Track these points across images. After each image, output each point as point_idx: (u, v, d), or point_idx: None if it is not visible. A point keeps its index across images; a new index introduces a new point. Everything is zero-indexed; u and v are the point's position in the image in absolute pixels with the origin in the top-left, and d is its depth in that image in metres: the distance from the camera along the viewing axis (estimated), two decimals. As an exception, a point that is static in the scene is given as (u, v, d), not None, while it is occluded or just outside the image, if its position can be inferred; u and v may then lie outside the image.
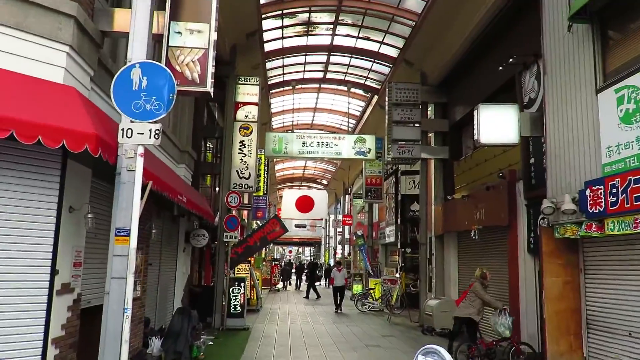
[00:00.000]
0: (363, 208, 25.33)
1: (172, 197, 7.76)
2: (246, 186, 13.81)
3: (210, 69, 6.26)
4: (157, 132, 4.78)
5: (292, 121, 25.48)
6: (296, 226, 55.02)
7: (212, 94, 6.44)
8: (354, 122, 24.14)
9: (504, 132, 8.53)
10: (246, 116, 14.16)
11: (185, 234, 12.08)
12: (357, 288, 23.28)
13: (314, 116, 25.21)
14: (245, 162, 13.90)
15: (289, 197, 32.33)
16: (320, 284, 32.13)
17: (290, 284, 31.15)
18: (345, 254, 36.24)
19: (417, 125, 14.88)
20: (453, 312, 9.18)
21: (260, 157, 22.98)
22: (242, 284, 13.05)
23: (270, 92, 20.51)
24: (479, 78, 12.83)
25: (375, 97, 19.95)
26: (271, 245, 45.72)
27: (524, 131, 8.54)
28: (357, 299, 17.97)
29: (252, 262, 18.55)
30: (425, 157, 15.01)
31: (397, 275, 16.11)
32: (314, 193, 33.98)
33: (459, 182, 13.87)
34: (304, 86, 21.24)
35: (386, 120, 14.97)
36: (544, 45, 8.45)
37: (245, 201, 24.36)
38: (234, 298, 12.89)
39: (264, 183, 23.09)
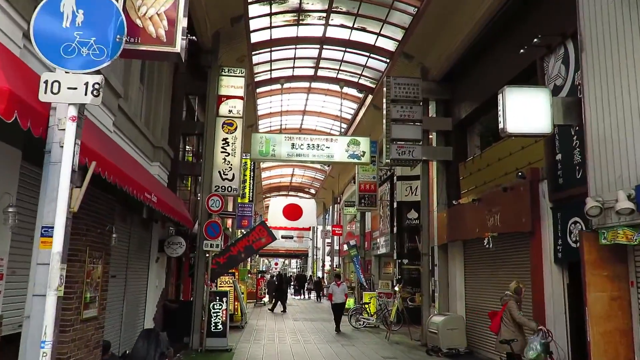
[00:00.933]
0: (355, 217, 23.97)
1: (138, 194, 6.31)
2: (229, 189, 12.35)
3: (182, 24, 4.85)
4: (96, 87, 3.36)
5: (280, 124, 24.08)
6: (283, 237, 53.25)
7: (183, 58, 5.02)
8: (345, 125, 22.82)
9: (534, 120, 7.21)
10: (230, 111, 12.74)
11: (159, 242, 10.58)
12: (349, 302, 21.78)
13: (302, 119, 23.86)
14: (229, 162, 12.45)
15: (276, 205, 30.93)
16: (309, 298, 30.66)
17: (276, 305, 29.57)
18: (335, 265, 34.73)
19: (418, 123, 13.58)
20: (499, 337, 7.84)
21: (245, 162, 21.57)
22: (225, 299, 11.54)
23: (257, 91, 19.12)
24: (489, 69, 11.58)
25: (370, 97, 18.67)
26: (257, 256, 44.09)
27: (557, 119, 7.24)
28: (350, 315, 16.51)
29: (237, 274, 17.02)
30: (426, 159, 13.70)
31: (396, 288, 14.73)
32: (302, 201, 32.61)
33: (466, 185, 12.56)
34: (292, 85, 19.90)
35: (384, 118, 13.65)
36: (581, 19, 7.18)
37: (230, 208, 22.85)
38: (215, 315, 11.37)
39: (249, 189, 21.62)
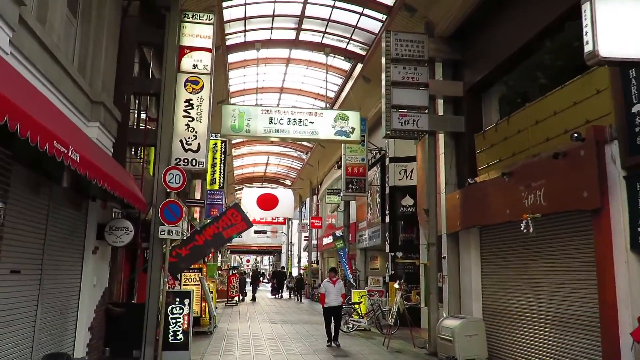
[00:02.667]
0: (337, 207, 21.66)
1: (41, 141, 3.85)
2: (194, 162, 9.80)
3: None
4: None
5: (256, 103, 21.54)
6: (255, 232, 50.71)
7: None
8: (329, 106, 20.41)
9: (635, 42, 4.96)
10: (195, 66, 10.18)
11: (98, 228, 8.01)
12: (332, 301, 19.44)
13: (280, 97, 21.36)
14: (193, 129, 9.90)
15: (250, 195, 28.38)
16: (291, 298, 28.15)
17: (246, 294, 27.02)
18: (313, 261, 32.34)
19: (424, 88, 11.31)
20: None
21: (215, 143, 19.01)
22: (187, 301, 9.03)
23: (229, 60, 16.58)
24: (512, 19, 9.38)
25: (359, 67, 16.32)
26: (227, 252, 41.36)
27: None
28: (338, 317, 14.14)
29: (204, 270, 14.49)
30: (433, 131, 11.42)
31: (396, 285, 12.45)
32: (278, 191, 30.11)
33: (486, 159, 10.31)
34: (270, 54, 17.43)
35: (383, 81, 11.30)
36: None
37: (197, 196, 20.22)
38: (174, 321, 8.85)
39: (220, 174, 19.03)
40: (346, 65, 17.56)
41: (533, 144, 8.58)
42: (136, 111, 10.48)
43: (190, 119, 9.91)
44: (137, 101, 10.43)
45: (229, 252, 43.92)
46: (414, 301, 15.23)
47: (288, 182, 37.16)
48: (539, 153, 8.16)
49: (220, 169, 19.04)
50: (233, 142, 26.01)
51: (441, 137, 11.88)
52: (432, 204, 11.31)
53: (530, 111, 8.76)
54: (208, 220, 10.56)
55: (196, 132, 9.90)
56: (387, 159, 16.65)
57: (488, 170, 10.07)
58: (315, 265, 32.15)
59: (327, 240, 26.57)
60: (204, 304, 13.97)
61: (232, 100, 20.14)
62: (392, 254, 15.82)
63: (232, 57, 16.99)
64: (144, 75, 10.81)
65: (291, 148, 29.52)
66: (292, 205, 29.22)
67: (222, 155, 19.14)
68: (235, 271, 25.22)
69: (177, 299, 8.89)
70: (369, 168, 17.15)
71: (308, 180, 33.10)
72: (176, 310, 8.81)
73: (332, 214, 26.94)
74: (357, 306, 14.15)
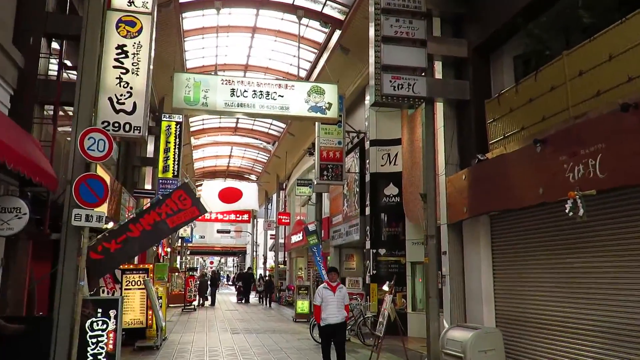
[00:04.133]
0: (308, 200, 19.44)
1: None
2: (127, 127, 7.42)
3: None
4: None
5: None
6: (219, 232, 48.09)
7: None
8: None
9: None
10: (131, 2, 7.80)
11: (-23, 209, 5.56)
12: (303, 306, 17.24)
13: (244, 77, 18.92)
14: (127, 83, 7.52)
15: (211, 188, 25.88)
16: (260, 303, 25.40)
17: (207, 299, 24.43)
18: (280, 262, 30.00)
19: (421, 46, 9.22)
20: None
21: (169, 125, 16.55)
22: (113, 312, 6.61)
23: (185, 28, 14.17)
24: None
25: (336, 35, 14.14)
26: (187, 252, 38.55)
27: None
28: (312, 325, 11.91)
29: (151, 270, 12.01)
30: (431, 98, 9.34)
31: (385, 287, 10.31)
32: (242, 184, 27.67)
33: (501, 129, 8.27)
34: (233, 22, 15.08)
35: (372, 36, 9.17)
36: None
37: (147, 186, 17.66)
38: (95, 341, 6.44)
39: (174, 160, 16.53)
40: (321, 37, 15.38)
41: (575, 102, 6.56)
42: (50, 57, 7.98)
43: (124, 71, 7.53)
44: (51, 45, 7.93)
45: (188, 252, 41.09)
46: (400, 305, 13.16)
47: (253, 177, 34.72)
48: (586, 112, 6.15)
49: (174, 155, 16.55)
50: (192, 129, 23.50)
51: (439, 108, 9.81)
52: (430, 187, 9.20)
53: (570, 61, 6.74)
54: (147, 205, 8.14)
55: (131, 88, 7.53)
56: (368, 142, 14.54)
57: (505, 142, 8.04)
58: (282, 266, 29.84)
59: (296, 238, 24.31)
60: (150, 314, 11.53)
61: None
62: (374, 251, 13.71)
63: (188, 23, 14.58)
64: (62, 12, 8.31)
65: (256, 138, 27.14)
66: (257, 198, 26.86)
67: (177, 139, 16.66)
68: (194, 273, 22.64)
69: (100, 310, 6.47)
70: (346, 154, 14.99)
71: (275, 175, 30.76)
72: (97, 325, 6.41)
73: (302, 208, 24.69)
74: (334, 312, 11.95)
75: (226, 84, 12.07)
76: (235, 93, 12.06)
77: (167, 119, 16.65)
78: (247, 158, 31.39)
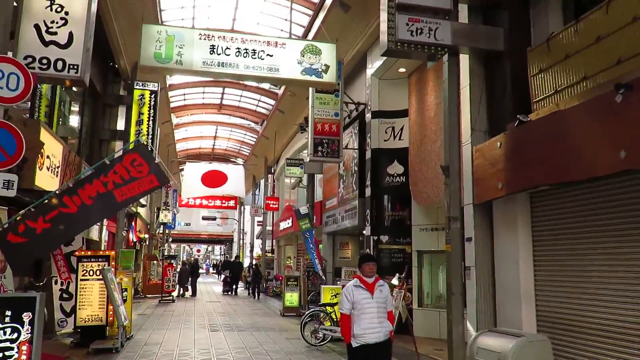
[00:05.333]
0: (300, 182, 17.63)
1: None
2: (60, 65, 5.52)
3: None
4: None
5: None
6: (204, 218, 46.23)
7: None
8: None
9: None
10: None
11: None
12: (292, 299, 15.46)
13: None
14: (62, 7, 5.59)
15: (193, 171, 23.93)
16: (249, 294, 23.13)
17: (187, 289, 22.51)
18: (267, 250, 28.18)
19: (443, -17, 7.39)
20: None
21: (142, 94, 14.62)
22: (27, 316, 4.72)
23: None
24: None
25: (336, -11, 12.21)
26: (169, 239, 36.58)
27: None
28: (304, 323, 10.11)
29: (113, 257, 10.13)
30: (455, 48, 7.52)
31: (394, 281, 8.56)
32: (227, 167, 25.71)
33: (552, 83, 6.48)
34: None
35: (384, -32, 7.29)
36: None
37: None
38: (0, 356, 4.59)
39: (147, 134, 14.57)
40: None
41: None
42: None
43: (58, -10, 5.60)
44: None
45: (170, 239, 39.08)
46: (406, 301, 11.42)
47: (240, 161, 32.75)
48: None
49: (148, 128, 14.60)
50: (173, 104, 21.48)
51: (464, 62, 8.00)
52: (454, 157, 7.40)
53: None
54: (88, 172, 6.22)
55: (67, 14, 5.62)
56: (369, 114, 12.69)
57: (558, 98, 6.26)
58: (270, 254, 28.05)
59: (285, 224, 22.50)
60: (110, 309, 9.66)
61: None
62: (375, 238, 11.94)
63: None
64: None
65: (243, 117, 25.18)
66: (243, 182, 24.99)
67: (152, 111, 14.69)
68: (172, 261, 20.73)
69: (8, 314, 4.60)
70: (343, 129, 13.14)
71: (263, 158, 28.83)
72: (4, 334, 4.54)
73: (292, 191, 22.85)
74: (329, 309, 10.18)
75: (205, 39, 10.37)
76: (215, 50, 10.36)
77: (140, 87, 14.67)
78: (233, 140, 29.40)
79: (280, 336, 11.06)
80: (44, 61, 5.45)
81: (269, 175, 28.99)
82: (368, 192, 12.38)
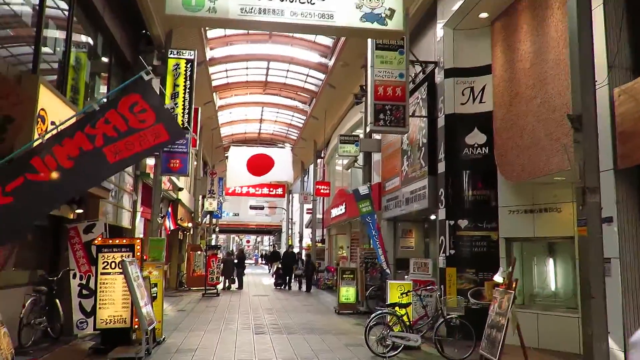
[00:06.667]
0: (355, 161, 15.61)
1: None
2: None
3: None
4: None
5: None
6: (252, 208, 44.90)
7: None
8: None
9: None
10: None
11: None
12: (348, 294, 13.55)
13: None
14: None
15: (237, 156, 22.31)
16: (302, 289, 20.90)
17: (234, 281, 20.95)
18: (317, 240, 26.36)
19: None
20: None
21: (178, 63, 12.97)
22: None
23: None
24: None
25: None
26: (215, 227, 35.42)
27: None
28: (369, 327, 8.13)
29: (137, 247, 8.46)
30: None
31: (498, 277, 6.44)
32: (273, 151, 23.97)
33: None
34: None
35: None
36: None
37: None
38: None
39: (183, 108, 12.91)
40: None
41: None
42: None
43: None
44: None
45: (217, 229, 37.91)
46: (489, 298, 9.29)
47: (289, 145, 31.02)
48: None
49: (184, 102, 12.92)
50: (214, 83, 19.86)
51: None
52: (588, 103, 5.19)
53: None
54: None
55: None
56: (442, 73, 10.49)
57: None
58: (320, 244, 26.21)
59: (337, 211, 20.57)
60: (131, 308, 8.02)
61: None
62: (452, 222, 9.80)
63: None
64: None
65: (291, 97, 23.35)
66: (291, 166, 23.22)
67: (188, 82, 13.01)
68: (216, 251, 19.17)
69: None
70: (409, 94, 10.99)
71: (312, 141, 26.96)
72: None
73: (344, 177, 20.84)
74: (401, 310, 8.16)
75: (243, -21, 8.45)
76: (256, -6, 8.45)
77: (175, 56, 13.02)
78: (280, 122, 27.63)
79: (338, 341, 9.16)
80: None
81: (319, 160, 27.10)
82: (441, 167, 10.23)
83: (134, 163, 8.00)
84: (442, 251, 9.99)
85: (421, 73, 11.75)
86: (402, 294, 8.76)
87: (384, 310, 8.26)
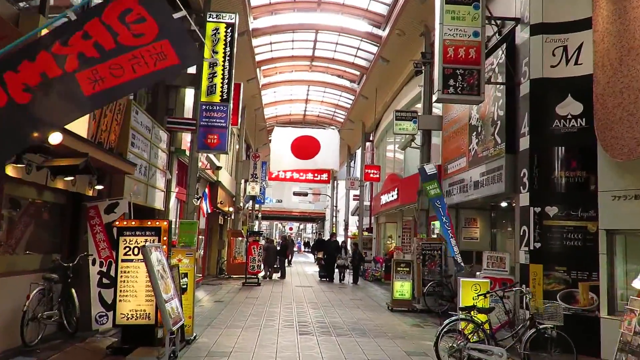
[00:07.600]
0: (412, 141, 13.94)
1: None
2: None
3: None
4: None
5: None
6: (295, 194, 43.88)
7: None
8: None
9: None
10: None
11: None
12: (403, 289, 12.04)
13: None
14: None
15: (281, 137, 21.04)
16: (344, 281, 19.11)
17: (277, 270, 19.71)
18: (364, 228, 24.84)
19: None
20: None
21: (217, 28, 11.68)
22: None
23: None
24: None
25: None
26: (256, 212, 34.44)
27: None
28: (440, 334, 6.61)
29: (165, 230, 7.24)
30: None
31: (638, 282, 4.90)
32: (319, 132, 22.54)
33: None
34: None
35: None
36: None
37: (187, 114, 12.94)
38: None
39: (222, 77, 11.61)
40: None
41: None
42: None
43: None
44: None
45: (259, 215, 36.85)
46: (584, 303, 7.61)
47: (334, 128, 29.54)
48: None
49: (224, 70, 11.63)
50: (258, 58, 18.55)
51: None
52: None
53: None
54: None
55: None
56: (526, 30, 8.72)
57: None
58: (367, 233, 24.70)
59: (387, 197, 19.01)
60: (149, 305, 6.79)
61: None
62: (537, 209, 8.09)
63: None
64: None
65: (339, 75, 21.81)
66: (337, 150, 21.78)
67: (228, 49, 11.70)
68: (257, 238, 17.92)
69: None
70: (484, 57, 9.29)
71: (360, 123, 25.36)
72: None
73: (396, 161, 19.20)
74: (478, 316, 6.61)
75: None
76: None
77: (214, 20, 11.73)
78: (326, 103, 26.14)
79: (397, 348, 7.69)
80: None
81: (367, 143, 25.50)
82: (524, 144, 8.52)
83: (121, 97, 6.53)
84: (524, 244, 8.31)
85: (496, 35, 9.97)
86: (478, 295, 7.18)
87: (460, 316, 6.70)
